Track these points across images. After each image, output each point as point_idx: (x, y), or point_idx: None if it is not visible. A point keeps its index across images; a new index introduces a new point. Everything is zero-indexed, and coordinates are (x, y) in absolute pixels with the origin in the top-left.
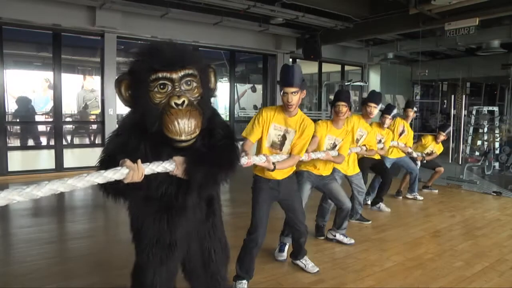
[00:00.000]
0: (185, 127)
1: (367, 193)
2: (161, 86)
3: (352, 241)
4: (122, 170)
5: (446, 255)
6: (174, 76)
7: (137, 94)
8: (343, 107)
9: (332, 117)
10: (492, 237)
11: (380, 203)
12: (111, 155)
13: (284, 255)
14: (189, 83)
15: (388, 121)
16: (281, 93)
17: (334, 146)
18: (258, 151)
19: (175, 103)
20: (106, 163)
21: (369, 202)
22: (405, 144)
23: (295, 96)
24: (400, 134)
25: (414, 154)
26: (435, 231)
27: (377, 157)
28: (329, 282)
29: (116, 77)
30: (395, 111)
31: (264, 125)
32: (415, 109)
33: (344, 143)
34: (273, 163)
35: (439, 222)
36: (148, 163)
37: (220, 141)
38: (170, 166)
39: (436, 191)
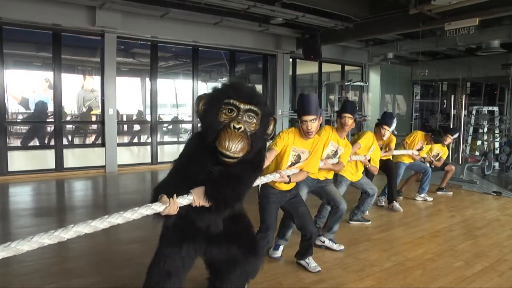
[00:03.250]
0: (232, 147)
1: (382, 194)
2: (229, 110)
3: (342, 247)
4: (154, 206)
5: (446, 255)
6: (241, 106)
7: (210, 109)
8: (349, 119)
9: (337, 126)
10: (492, 237)
11: (394, 202)
12: (180, 166)
13: (278, 253)
14: (250, 117)
15: (387, 133)
16: (300, 121)
17: (335, 153)
18: (276, 170)
19: (234, 126)
20: (177, 170)
21: (383, 204)
22: (419, 153)
23: (313, 123)
24: (418, 150)
25: (424, 155)
26: (435, 231)
27: (385, 157)
28: (329, 282)
29: (199, 95)
30: (394, 125)
31: (285, 146)
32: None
33: (345, 152)
34: (288, 176)
35: (439, 222)
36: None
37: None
38: (189, 198)
39: (451, 193)
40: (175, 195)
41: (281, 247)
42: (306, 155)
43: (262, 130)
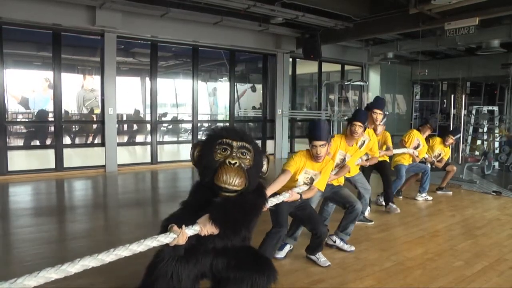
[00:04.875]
0: (230, 180)
1: (381, 193)
2: (223, 149)
3: (353, 248)
4: (160, 238)
5: (446, 255)
6: (234, 144)
7: (205, 152)
8: (359, 128)
9: (346, 133)
10: (492, 237)
11: (390, 203)
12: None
13: (282, 254)
14: (244, 153)
15: (380, 128)
16: (310, 145)
17: (343, 161)
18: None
19: (229, 162)
20: (183, 210)
21: (383, 203)
22: (418, 153)
23: (323, 148)
24: (416, 147)
25: (426, 156)
26: (435, 231)
27: (381, 158)
28: (329, 281)
29: (194, 143)
30: (385, 119)
31: (298, 168)
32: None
33: (353, 157)
34: (298, 193)
35: (439, 221)
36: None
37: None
38: (195, 228)
39: (451, 192)
40: (183, 226)
41: (287, 247)
42: (318, 177)
43: (257, 167)
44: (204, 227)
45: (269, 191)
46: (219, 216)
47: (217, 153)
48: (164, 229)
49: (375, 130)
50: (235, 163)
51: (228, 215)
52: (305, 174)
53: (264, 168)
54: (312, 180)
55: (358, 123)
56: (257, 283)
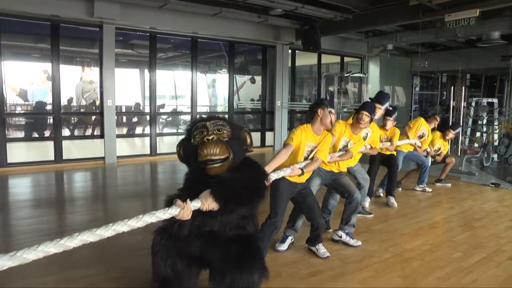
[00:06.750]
0: (211, 151)
1: (380, 185)
2: (200, 132)
3: (359, 243)
4: (158, 214)
5: (444, 246)
6: (207, 123)
7: (187, 143)
8: (365, 117)
9: (353, 121)
10: (490, 228)
11: (389, 196)
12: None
13: (284, 246)
14: (220, 129)
15: (389, 123)
16: (328, 112)
17: (345, 147)
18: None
19: (207, 139)
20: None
21: (381, 195)
22: (421, 145)
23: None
24: (420, 137)
25: (428, 149)
26: (433, 223)
27: (388, 152)
28: (328, 272)
29: (178, 142)
30: (395, 115)
31: (300, 142)
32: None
33: (356, 145)
34: (300, 168)
35: (437, 213)
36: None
37: (246, 171)
38: (195, 203)
39: (449, 184)
40: (188, 200)
41: (289, 240)
42: (315, 150)
43: (238, 139)
44: (205, 202)
45: (270, 167)
46: (219, 190)
47: (195, 137)
48: (167, 205)
49: (384, 126)
50: (212, 138)
51: (228, 188)
52: (306, 148)
53: (248, 141)
54: (311, 151)
55: (365, 113)
56: (241, 279)
